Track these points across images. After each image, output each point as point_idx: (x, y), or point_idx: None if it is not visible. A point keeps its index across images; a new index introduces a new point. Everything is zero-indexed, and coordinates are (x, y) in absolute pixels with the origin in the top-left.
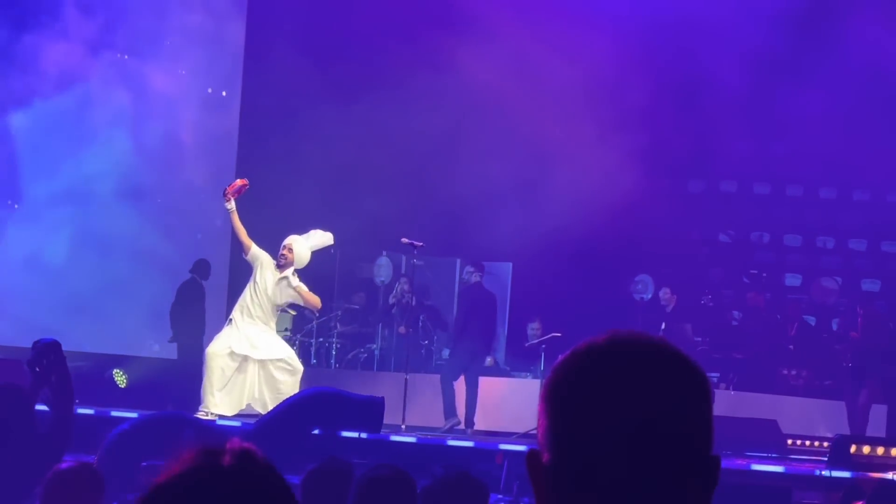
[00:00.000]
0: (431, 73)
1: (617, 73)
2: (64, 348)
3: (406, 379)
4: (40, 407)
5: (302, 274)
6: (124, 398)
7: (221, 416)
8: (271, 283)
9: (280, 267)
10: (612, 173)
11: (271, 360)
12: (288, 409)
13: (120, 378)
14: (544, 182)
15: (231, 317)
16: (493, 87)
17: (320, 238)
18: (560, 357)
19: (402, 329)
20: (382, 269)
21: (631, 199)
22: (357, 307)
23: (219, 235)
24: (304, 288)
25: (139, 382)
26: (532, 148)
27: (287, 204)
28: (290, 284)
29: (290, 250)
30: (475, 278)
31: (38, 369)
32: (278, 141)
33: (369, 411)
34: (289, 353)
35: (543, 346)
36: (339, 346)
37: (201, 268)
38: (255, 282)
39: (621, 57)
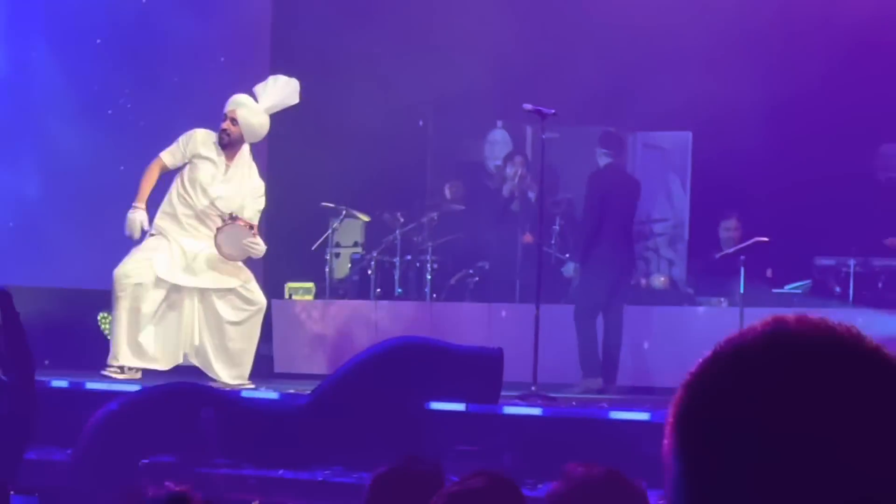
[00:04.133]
0: None
1: None
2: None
3: (536, 315)
4: None
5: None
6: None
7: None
8: (211, 173)
9: (224, 147)
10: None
11: (216, 290)
12: (358, 371)
13: (108, 325)
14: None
15: (155, 224)
16: None
17: (280, 91)
18: (696, 367)
19: (526, 237)
20: (497, 147)
21: (867, 40)
22: (461, 207)
23: None
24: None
25: None
26: None
27: (343, 53)
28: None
29: (234, 120)
30: (606, 159)
31: None
32: None
33: (481, 370)
34: (243, 278)
35: (743, 256)
36: (435, 266)
37: None
38: (183, 177)
39: None
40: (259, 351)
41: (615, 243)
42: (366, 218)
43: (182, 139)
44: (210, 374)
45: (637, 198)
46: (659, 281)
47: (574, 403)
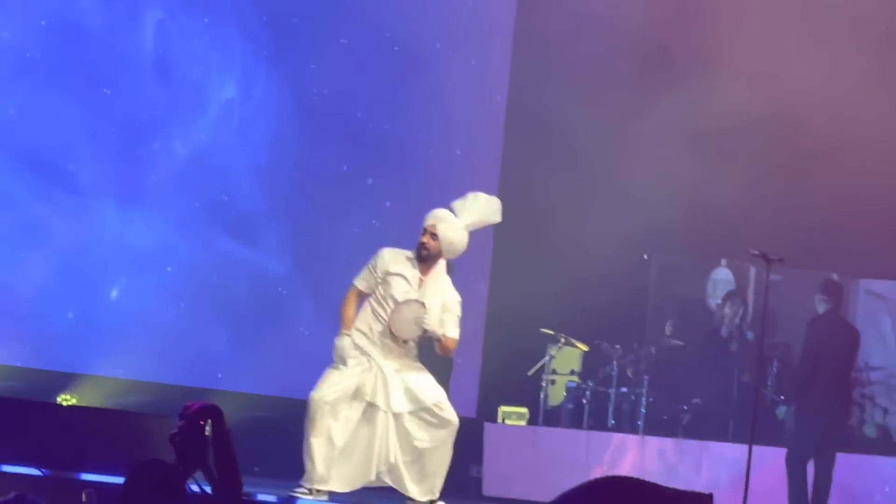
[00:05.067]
0: None
1: None
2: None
3: (749, 456)
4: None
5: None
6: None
7: (333, 495)
8: (405, 290)
9: (422, 261)
10: None
11: (410, 410)
12: None
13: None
14: None
15: (350, 336)
16: None
17: (480, 209)
18: None
19: (746, 377)
20: (720, 285)
21: None
22: (680, 343)
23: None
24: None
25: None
26: None
27: (571, 179)
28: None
29: (434, 235)
30: (825, 306)
31: (186, 446)
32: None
33: None
34: (438, 397)
35: None
36: (650, 400)
37: None
38: (377, 295)
39: None
40: (469, 473)
41: (830, 390)
42: (584, 347)
43: (371, 262)
44: (403, 492)
45: (856, 346)
46: (872, 429)
47: None
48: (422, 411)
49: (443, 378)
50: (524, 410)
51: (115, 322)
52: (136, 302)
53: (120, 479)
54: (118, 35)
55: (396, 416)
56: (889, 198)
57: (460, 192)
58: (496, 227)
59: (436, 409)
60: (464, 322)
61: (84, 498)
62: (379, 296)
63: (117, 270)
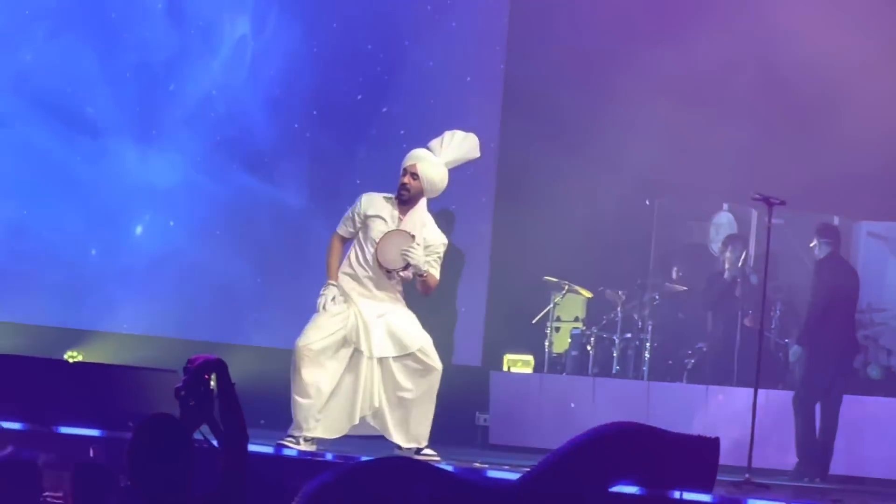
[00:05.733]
0: None
1: None
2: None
3: (754, 399)
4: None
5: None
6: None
7: (319, 443)
8: (383, 230)
9: (403, 203)
10: None
11: (394, 357)
12: (572, 456)
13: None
14: None
15: (339, 286)
16: None
17: (458, 146)
18: None
19: (747, 321)
20: (722, 229)
21: None
22: (683, 288)
23: None
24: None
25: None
26: None
27: (575, 125)
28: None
29: (415, 175)
30: (825, 250)
31: (191, 401)
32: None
33: (698, 460)
34: (423, 343)
35: None
36: (655, 346)
37: None
38: (360, 238)
39: None
40: (475, 421)
41: (837, 332)
42: (588, 294)
43: (351, 208)
44: (388, 438)
45: (857, 287)
46: (876, 371)
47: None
48: (406, 357)
49: (448, 327)
50: (529, 358)
51: (138, 260)
52: (158, 241)
53: (126, 435)
54: None
55: (381, 361)
56: (888, 139)
57: (471, 118)
58: (499, 174)
59: (420, 356)
60: (467, 271)
61: (91, 453)
62: (361, 239)
63: (139, 210)
